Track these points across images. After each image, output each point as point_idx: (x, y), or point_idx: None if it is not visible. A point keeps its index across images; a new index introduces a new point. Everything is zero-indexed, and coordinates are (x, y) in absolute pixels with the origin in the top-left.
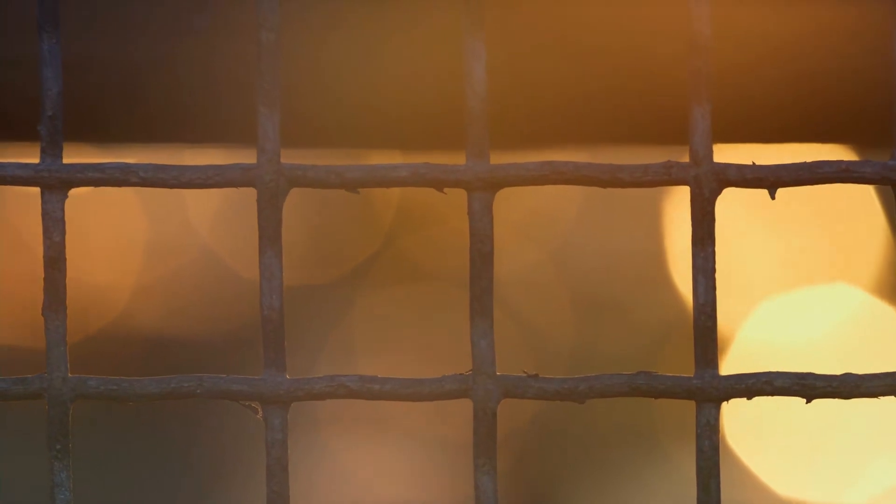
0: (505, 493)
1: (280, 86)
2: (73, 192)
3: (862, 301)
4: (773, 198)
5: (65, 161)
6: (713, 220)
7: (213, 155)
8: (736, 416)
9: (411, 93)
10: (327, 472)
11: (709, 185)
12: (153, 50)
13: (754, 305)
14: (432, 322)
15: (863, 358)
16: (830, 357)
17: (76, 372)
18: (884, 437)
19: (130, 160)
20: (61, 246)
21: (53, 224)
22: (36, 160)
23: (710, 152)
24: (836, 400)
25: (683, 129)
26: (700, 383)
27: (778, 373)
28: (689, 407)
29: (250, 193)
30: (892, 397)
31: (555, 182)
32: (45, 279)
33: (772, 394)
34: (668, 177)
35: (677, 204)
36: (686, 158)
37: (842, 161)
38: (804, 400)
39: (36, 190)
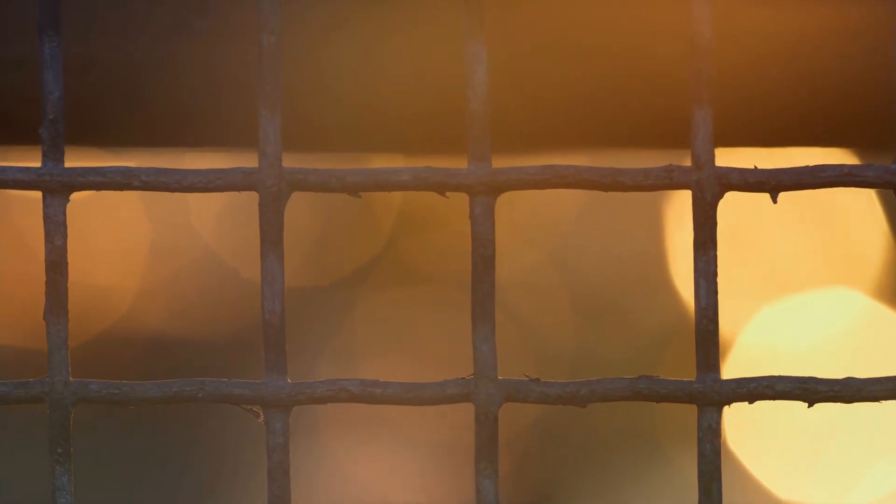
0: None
1: (281, 89)
2: (76, 194)
3: (863, 305)
4: (774, 201)
5: (66, 165)
6: (715, 223)
7: (214, 159)
8: (737, 420)
9: (412, 96)
10: (328, 476)
11: (710, 190)
12: (154, 53)
13: (755, 309)
14: (433, 325)
15: (864, 362)
16: (831, 361)
17: (80, 373)
18: (885, 440)
19: (132, 164)
20: (63, 250)
21: (55, 228)
22: (37, 164)
23: (712, 156)
24: (838, 404)
25: (685, 132)
26: (702, 387)
27: (779, 377)
28: (690, 410)
29: (253, 195)
30: (894, 401)
31: (556, 186)
32: (46, 283)
33: (773, 398)
34: (669, 181)
35: (678, 207)
36: (687, 162)
37: (844, 165)
38: (805, 404)
39: (39, 192)
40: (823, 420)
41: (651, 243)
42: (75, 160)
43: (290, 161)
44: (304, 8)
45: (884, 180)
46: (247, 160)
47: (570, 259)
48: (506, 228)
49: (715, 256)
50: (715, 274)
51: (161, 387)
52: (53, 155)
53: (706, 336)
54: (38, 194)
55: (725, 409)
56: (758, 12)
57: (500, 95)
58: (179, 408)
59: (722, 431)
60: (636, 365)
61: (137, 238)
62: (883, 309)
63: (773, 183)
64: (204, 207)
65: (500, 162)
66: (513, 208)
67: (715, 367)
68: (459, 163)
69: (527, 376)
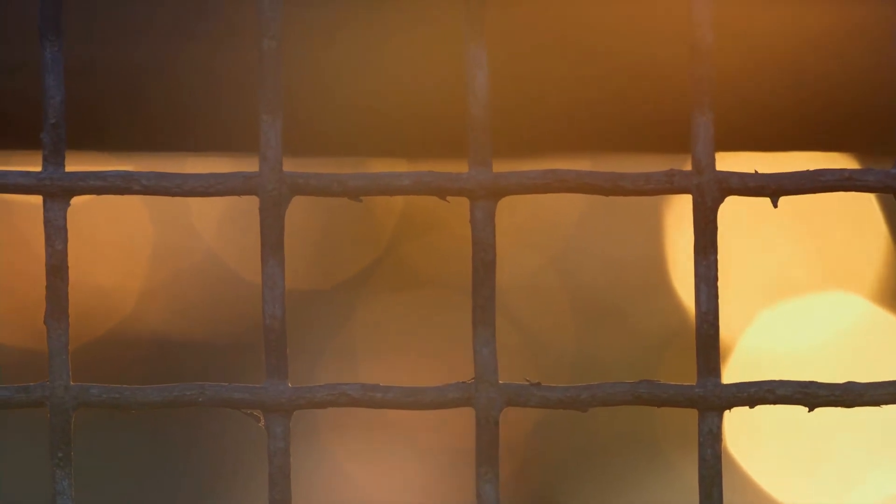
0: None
1: (282, 93)
2: (79, 196)
3: (863, 309)
4: (775, 206)
5: (67, 169)
6: (715, 228)
7: (216, 163)
8: (737, 424)
9: (414, 100)
10: (329, 479)
11: (711, 194)
12: (155, 57)
13: (756, 313)
14: (433, 328)
15: (864, 366)
16: (831, 365)
17: (82, 374)
18: (885, 445)
19: (133, 168)
20: (63, 254)
21: (55, 232)
22: (38, 168)
23: (713, 161)
24: (838, 408)
25: (685, 136)
26: (702, 392)
27: (780, 381)
28: (691, 415)
29: (255, 198)
30: (895, 406)
31: (557, 190)
32: (47, 288)
33: (774, 402)
34: (670, 185)
35: (678, 211)
36: (688, 166)
37: (844, 169)
38: (806, 408)
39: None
40: (823, 424)
41: (651, 247)
42: (76, 164)
43: (292, 165)
44: (305, 12)
45: (884, 185)
46: (249, 164)
47: (571, 263)
48: (506, 232)
49: (716, 261)
50: (716, 278)
51: (161, 391)
52: (54, 159)
53: (707, 340)
54: (40, 197)
55: (726, 413)
56: (758, 17)
57: (500, 99)
58: (180, 411)
59: (722, 436)
60: (636, 369)
61: (140, 240)
62: (883, 313)
63: (773, 187)
64: (206, 210)
65: (501, 166)
66: (514, 212)
67: (716, 371)
68: (461, 165)
69: (528, 380)
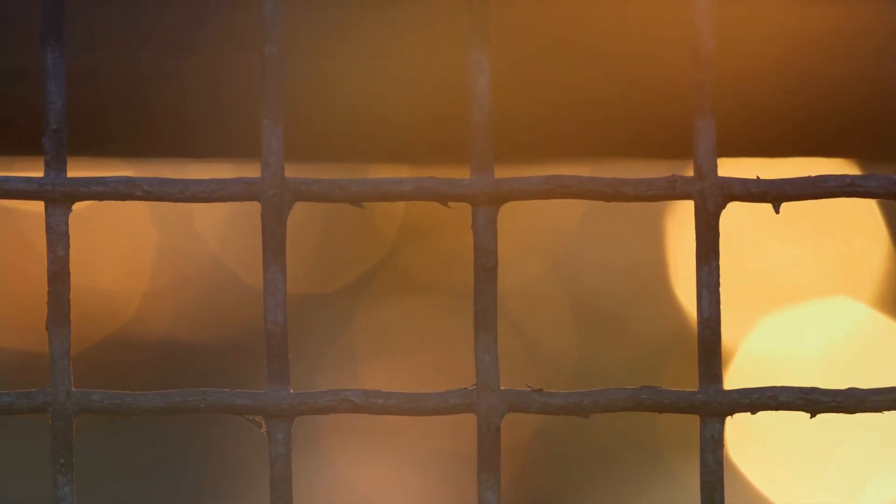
0: None
1: (284, 99)
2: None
3: (864, 315)
4: (777, 212)
5: (69, 175)
6: (717, 234)
7: (219, 169)
8: (738, 430)
9: (416, 105)
10: (330, 484)
11: (713, 200)
12: (157, 63)
13: (757, 319)
14: (434, 333)
15: (865, 372)
16: (833, 371)
17: (86, 377)
18: (886, 451)
19: (134, 173)
20: (65, 260)
21: (57, 238)
22: (40, 174)
23: (715, 167)
24: (840, 414)
25: (687, 142)
26: (704, 398)
27: (782, 387)
28: (692, 421)
29: (257, 203)
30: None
31: (559, 196)
32: (48, 293)
33: (776, 408)
34: (672, 191)
35: (679, 217)
36: (689, 172)
37: (846, 175)
38: (808, 414)
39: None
40: (824, 430)
41: (652, 253)
42: (78, 170)
43: (293, 171)
44: (307, 18)
45: (886, 191)
46: (251, 170)
47: (572, 268)
48: (507, 238)
49: (717, 267)
50: (717, 284)
51: (163, 397)
52: (56, 165)
53: (709, 347)
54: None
55: (728, 419)
56: (760, 22)
57: (502, 105)
58: (181, 415)
59: (724, 442)
60: (638, 374)
61: (143, 243)
62: (884, 319)
63: (775, 193)
64: (209, 213)
65: (502, 171)
66: (515, 217)
67: (717, 377)
68: (463, 170)
69: (529, 387)
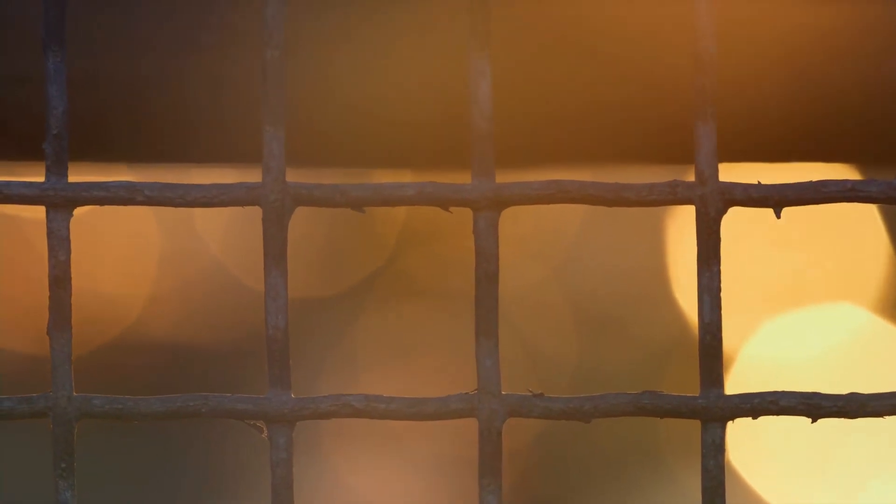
0: None
1: (285, 104)
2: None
3: (865, 320)
4: (778, 217)
5: (70, 180)
6: (718, 239)
7: (221, 175)
8: (739, 435)
9: (416, 110)
10: (331, 489)
11: (714, 205)
12: (159, 68)
13: (758, 324)
14: (435, 338)
15: (866, 377)
16: (834, 376)
17: (88, 381)
18: (887, 456)
19: (136, 178)
20: (66, 265)
21: (59, 243)
22: (41, 178)
23: (716, 171)
24: (841, 419)
25: (687, 147)
26: (705, 403)
27: (783, 392)
28: (694, 426)
29: (258, 208)
30: None
31: (560, 201)
32: (50, 298)
33: (777, 413)
34: (673, 196)
35: (680, 221)
36: (690, 177)
37: (847, 180)
38: (809, 419)
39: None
40: (825, 435)
41: (653, 257)
42: (79, 175)
43: (295, 176)
44: (308, 23)
45: (887, 195)
46: (252, 175)
47: (573, 273)
48: (508, 242)
49: (718, 272)
50: (718, 289)
51: (164, 402)
52: (57, 170)
53: (710, 352)
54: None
55: (729, 424)
56: (761, 27)
57: (503, 110)
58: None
59: (725, 446)
60: (638, 379)
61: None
62: (884, 324)
63: (776, 198)
64: (212, 217)
65: (503, 176)
66: (516, 222)
67: (718, 382)
68: (464, 175)
69: (530, 391)
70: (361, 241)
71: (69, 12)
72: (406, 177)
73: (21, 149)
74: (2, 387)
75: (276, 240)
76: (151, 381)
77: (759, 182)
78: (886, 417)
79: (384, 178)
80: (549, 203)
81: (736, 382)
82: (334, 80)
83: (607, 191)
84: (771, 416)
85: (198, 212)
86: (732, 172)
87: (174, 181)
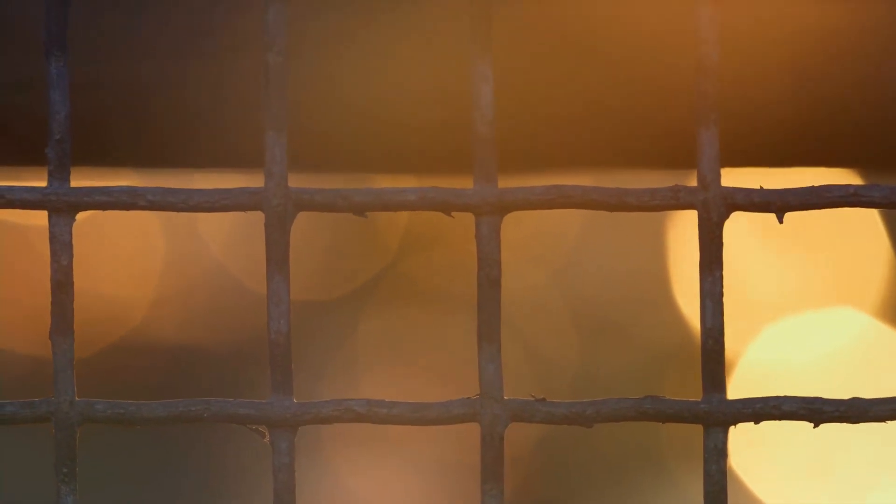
0: None
1: (287, 109)
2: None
3: (867, 325)
4: (780, 222)
5: (72, 184)
6: (721, 244)
7: (222, 178)
8: (740, 441)
9: (419, 115)
10: (333, 493)
11: (717, 210)
12: (161, 72)
13: (760, 329)
14: (437, 342)
15: (868, 382)
16: (836, 381)
17: (91, 384)
18: (890, 461)
19: (138, 183)
20: (69, 269)
21: (61, 248)
22: (44, 183)
23: (718, 176)
24: (843, 424)
25: (690, 151)
26: (707, 408)
27: (786, 397)
28: (696, 431)
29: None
30: None
31: (562, 206)
32: (52, 303)
33: (780, 418)
34: (675, 201)
35: (682, 226)
36: (692, 182)
37: (849, 185)
38: (811, 424)
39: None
40: (828, 440)
41: (655, 262)
42: (81, 180)
43: (297, 181)
44: (310, 28)
45: (889, 201)
46: (255, 180)
47: (575, 277)
48: (510, 247)
49: (721, 277)
50: (721, 294)
51: (166, 406)
52: (59, 175)
53: (712, 356)
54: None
55: (731, 429)
56: (764, 32)
57: (505, 115)
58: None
59: (728, 451)
60: (641, 384)
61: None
62: (886, 329)
63: (779, 203)
64: (214, 220)
65: (505, 181)
66: (518, 227)
67: (721, 387)
68: (466, 180)
69: (533, 396)
70: (363, 246)
71: (71, 17)
72: (408, 181)
73: (23, 153)
74: (4, 388)
75: (279, 245)
76: (154, 384)
77: (761, 187)
78: (888, 423)
79: (386, 182)
80: (551, 208)
81: (738, 387)
82: (336, 84)
83: (609, 196)
84: (773, 421)
85: (201, 215)
86: (734, 177)
87: (176, 186)
